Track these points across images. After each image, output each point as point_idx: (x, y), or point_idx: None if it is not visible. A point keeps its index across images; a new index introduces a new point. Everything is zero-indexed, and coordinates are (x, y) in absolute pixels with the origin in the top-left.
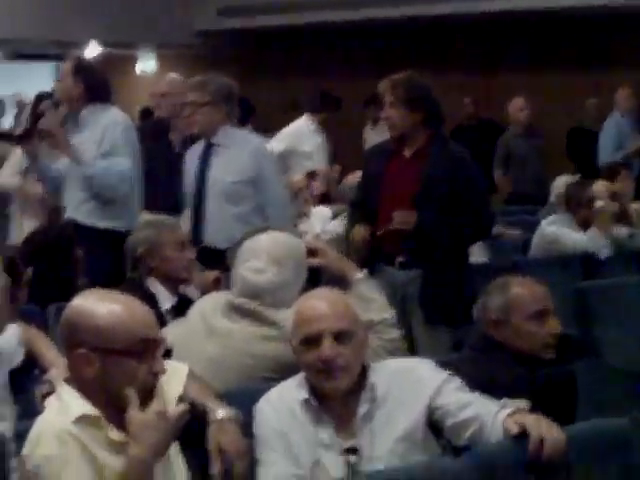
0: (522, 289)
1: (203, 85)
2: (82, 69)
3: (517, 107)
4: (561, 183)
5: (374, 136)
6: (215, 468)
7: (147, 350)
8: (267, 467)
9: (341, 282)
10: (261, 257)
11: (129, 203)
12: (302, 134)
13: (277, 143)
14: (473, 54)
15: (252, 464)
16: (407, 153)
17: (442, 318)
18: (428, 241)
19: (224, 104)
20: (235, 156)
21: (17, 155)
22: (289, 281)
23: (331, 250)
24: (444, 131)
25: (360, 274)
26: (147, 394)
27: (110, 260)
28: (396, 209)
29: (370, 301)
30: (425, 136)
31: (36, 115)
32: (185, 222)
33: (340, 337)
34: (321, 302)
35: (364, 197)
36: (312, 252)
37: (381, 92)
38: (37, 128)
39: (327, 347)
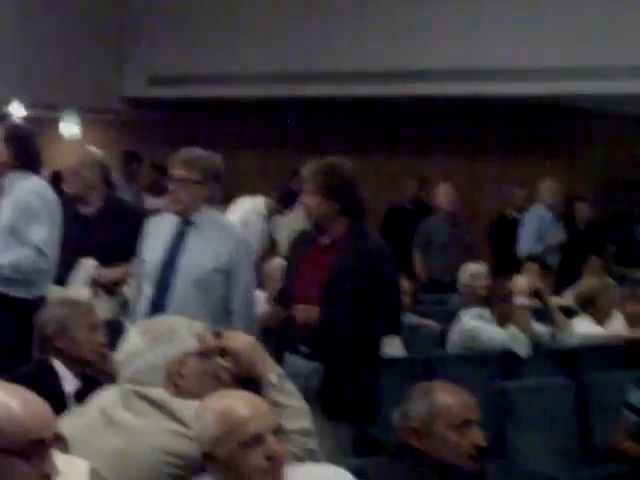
0: (449, 397)
1: (193, 162)
2: (13, 136)
3: (441, 193)
4: (465, 272)
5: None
6: None
7: (40, 452)
8: None
9: (249, 382)
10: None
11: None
12: (255, 215)
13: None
14: (412, 138)
15: None
16: (323, 242)
17: (343, 414)
18: (330, 335)
19: (212, 183)
20: (213, 240)
21: None
22: (140, 350)
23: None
24: (365, 222)
25: (276, 376)
26: None
27: (15, 330)
28: (306, 299)
29: (285, 407)
30: (343, 226)
31: None
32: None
33: (276, 434)
34: (240, 401)
35: (285, 282)
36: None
37: (303, 177)
38: None
39: (275, 443)
